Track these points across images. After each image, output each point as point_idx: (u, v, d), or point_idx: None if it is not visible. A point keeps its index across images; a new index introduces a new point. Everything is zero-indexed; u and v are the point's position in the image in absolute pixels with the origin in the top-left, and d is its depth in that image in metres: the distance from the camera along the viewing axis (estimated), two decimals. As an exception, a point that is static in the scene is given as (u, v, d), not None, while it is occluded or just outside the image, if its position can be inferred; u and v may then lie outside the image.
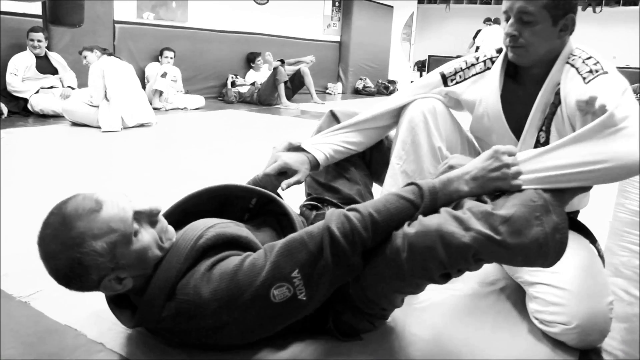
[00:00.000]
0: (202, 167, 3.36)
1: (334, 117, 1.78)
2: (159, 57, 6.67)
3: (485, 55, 1.65)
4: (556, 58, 1.48)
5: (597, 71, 1.39)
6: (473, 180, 1.22)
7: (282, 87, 7.35)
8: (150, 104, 5.54)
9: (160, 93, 6.24)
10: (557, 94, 1.47)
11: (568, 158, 1.18)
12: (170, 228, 1.22)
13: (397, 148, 1.65)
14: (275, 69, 7.34)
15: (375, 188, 1.79)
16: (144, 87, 5.96)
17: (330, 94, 9.80)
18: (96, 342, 1.32)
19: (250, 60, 8.12)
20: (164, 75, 6.26)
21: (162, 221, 1.21)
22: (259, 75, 7.84)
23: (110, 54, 5.06)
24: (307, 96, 8.04)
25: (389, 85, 10.53)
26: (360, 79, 10.25)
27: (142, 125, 4.89)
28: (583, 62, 1.43)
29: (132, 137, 4.45)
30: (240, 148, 4.12)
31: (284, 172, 1.56)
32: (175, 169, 3.30)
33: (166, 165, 3.40)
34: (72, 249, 1.06)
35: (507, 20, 1.48)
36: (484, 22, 11.47)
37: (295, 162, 1.57)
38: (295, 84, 7.82)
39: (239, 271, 1.14)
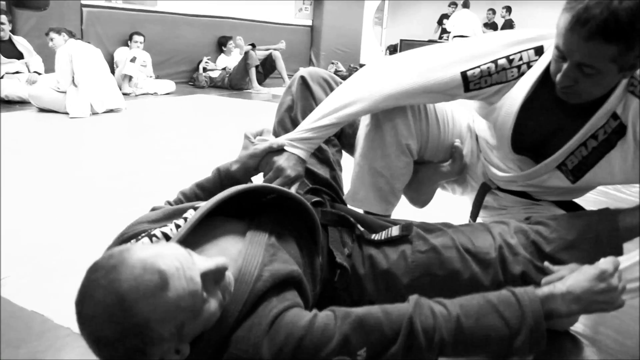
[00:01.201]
0: (173, 152, 3.35)
1: (306, 86, 1.66)
2: (128, 42, 6.59)
3: (521, 59, 1.36)
4: (614, 88, 1.29)
5: None
6: (576, 302, 1.10)
7: (253, 72, 7.32)
8: (120, 89, 5.49)
9: (130, 78, 6.18)
10: (615, 118, 1.33)
11: None
12: (231, 278, 1.05)
13: (362, 146, 1.61)
14: (246, 53, 7.31)
15: (347, 161, 1.80)
16: (113, 72, 5.89)
17: (303, 78, 9.79)
18: (63, 326, 1.34)
19: (221, 45, 8.07)
20: (133, 60, 6.20)
21: (227, 276, 1.03)
22: (230, 60, 7.80)
23: (77, 38, 4.99)
24: (279, 80, 8.02)
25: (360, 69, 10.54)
26: (332, 63, 10.24)
27: (111, 111, 4.85)
28: None
29: (101, 123, 4.42)
30: (211, 133, 4.12)
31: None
32: (146, 155, 3.29)
33: (137, 152, 3.39)
34: (134, 337, 0.87)
35: (559, 58, 1.25)
36: (449, 6, 11.55)
37: (297, 170, 1.45)
38: (267, 68, 7.81)
39: (306, 336, 1.02)
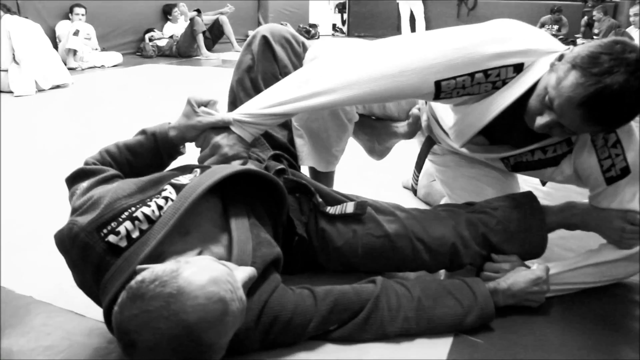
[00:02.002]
0: (125, 124, 3.32)
1: (268, 46, 1.60)
2: (69, 15, 6.38)
3: (498, 75, 1.29)
4: None
5: (614, 165, 1.37)
6: (512, 298, 1.36)
7: (200, 38, 7.23)
8: (65, 64, 5.36)
9: (74, 52, 6.03)
10: (569, 144, 1.44)
11: (589, 277, 1.45)
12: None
13: None
14: (192, 19, 7.20)
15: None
16: (55, 47, 5.73)
17: (252, 41, 9.68)
18: (25, 295, 1.38)
19: (166, 13, 7.88)
20: (76, 33, 6.03)
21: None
22: (177, 27, 7.65)
23: (13, 13, 4.83)
24: (228, 45, 7.93)
25: (310, 29, 10.49)
26: (281, 24, 10.13)
27: (57, 87, 4.76)
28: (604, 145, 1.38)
29: (48, 99, 4.34)
30: (163, 102, 4.06)
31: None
32: (98, 129, 3.27)
33: (88, 126, 3.36)
34: (198, 356, 0.91)
35: (547, 107, 1.25)
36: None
37: (236, 150, 1.38)
38: (215, 34, 7.70)
39: (292, 318, 1.20)
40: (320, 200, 1.49)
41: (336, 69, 1.34)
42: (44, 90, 4.61)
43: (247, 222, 1.26)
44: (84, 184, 1.24)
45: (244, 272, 1.03)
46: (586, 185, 1.48)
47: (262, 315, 1.17)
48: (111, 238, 1.09)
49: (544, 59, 1.29)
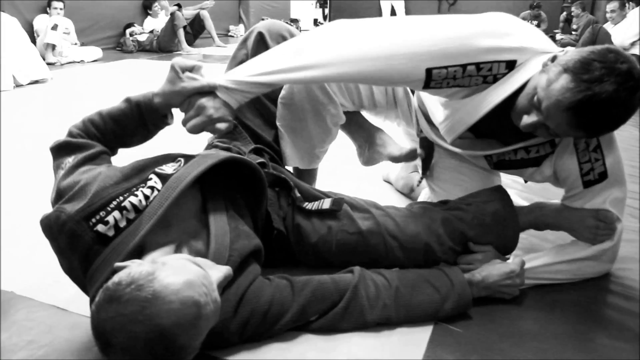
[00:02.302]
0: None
1: (264, 43, 1.59)
2: (47, 9, 6.29)
3: (490, 70, 1.28)
4: None
5: (593, 170, 1.42)
6: (485, 290, 1.38)
7: (181, 33, 7.18)
8: (44, 59, 5.30)
9: (53, 47, 5.95)
10: (552, 145, 1.48)
11: (561, 274, 1.49)
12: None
13: (279, 107, 1.65)
14: (172, 14, 7.15)
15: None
16: (34, 41, 5.65)
17: (233, 36, 9.64)
18: (7, 291, 1.38)
19: (146, 7, 7.82)
20: (54, 27, 5.96)
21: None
22: (157, 22, 7.59)
23: (-9, 8, 4.76)
24: (209, 40, 7.90)
25: (292, 24, 10.45)
26: (263, 19, 10.10)
27: (36, 82, 4.70)
28: (585, 149, 1.42)
29: (27, 95, 4.29)
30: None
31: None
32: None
33: (67, 122, 3.30)
34: (171, 358, 0.92)
35: (534, 107, 1.27)
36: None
37: (221, 113, 1.34)
38: (196, 29, 7.67)
39: (269, 309, 1.21)
40: (298, 195, 1.50)
41: (330, 43, 1.31)
42: (22, 85, 4.56)
43: (225, 214, 1.28)
44: (70, 160, 1.25)
45: (220, 272, 1.04)
46: (563, 186, 1.52)
47: (239, 307, 1.18)
48: (100, 227, 1.10)
49: (536, 58, 1.29)
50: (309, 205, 1.50)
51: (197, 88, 1.32)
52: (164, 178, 1.20)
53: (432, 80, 1.29)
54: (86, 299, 1.25)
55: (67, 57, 6.07)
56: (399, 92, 1.75)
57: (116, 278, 0.93)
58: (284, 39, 1.59)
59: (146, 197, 1.16)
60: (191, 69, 1.34)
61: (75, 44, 6.39)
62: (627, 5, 5.70)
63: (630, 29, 5.22)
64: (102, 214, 1.11)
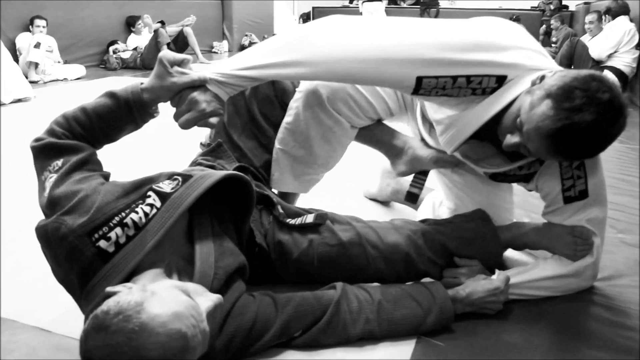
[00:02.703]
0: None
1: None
2: (30, 27, 6.28)
3: (480, 84, 1.26)
4: None
5: (574, 187, 1.44)
6: (470, 306, 1.40)
7: (165, 50, 7.17)
8: (26, 77, 5.29)
9: (36, 65, 5.93)
10: (541, 163, 1.48)
11: (544, 291, 1.51)
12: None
13: (282, 131, 1.66)
14: (156, 31, 7.16)
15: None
16: (16, 60, 5.64)
17: (217, 52, 9.67)
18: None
19: (130, 25, 7.83)
20: (37, 45, 5.94)
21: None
22: (141, 39, 7.60)
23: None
24: (193, 57, 7.88)
25: (276, 39, 10.51)
26: (246, 35, 10.16)
27: (19, 101, 4.69)
28: (568, 165, 1.44)
29: (10, 113, 4.26)
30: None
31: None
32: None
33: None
34: None
35: (517, 129, 1.27)
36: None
37: (213, 106, 1.30)
38: (179, 46, 7.67)
39: (253, 326, 1.21)
40: (281, 211, 1.52)
41: (322, 41, 1.28)
42: (4, 104, 4.54)
43: (211, 231, 1.28)
44: (59, 163, 1.22)
45: (210, 301, 1.03)
46: (544, 200, 1.54)
47: (224, 325, 1.19)
48: (102, 243, 1.10)
49: (527, 76, 1.27)
50: (292, 221, 1.51)
51: (187, 83, 1.28)
52: (162, 197, 1.20)
53: (422, 88, 1.28)
54: (70, 320, 1.25)
55: (50, 75, 6.05)
56: (407, 98, 1.72)
57: (105, 306, 0.93)
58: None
59: (146, 215, 1.15)
60: (180, 63, 1.29)
61: (58, 62, 6.38)
62: (604, 17, 5.81)
63: (607, 41, 5.31)
64: (104, 229, 1.11)
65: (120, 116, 1.29)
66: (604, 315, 1.47)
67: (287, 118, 1.65)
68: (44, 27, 6.27)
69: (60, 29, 6.77)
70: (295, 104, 1.64)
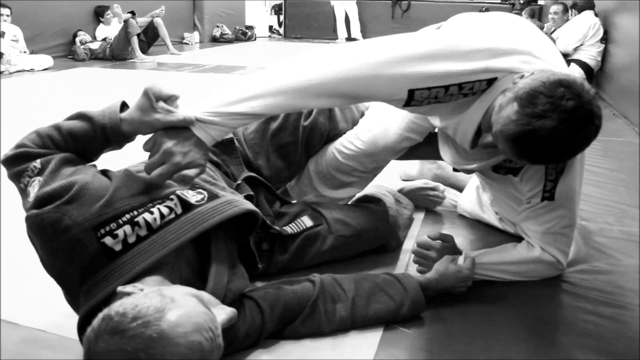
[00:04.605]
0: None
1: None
2: (-6, 16, 6.15)
3: (472, 89, 1.26)
4: None
5: (548, 193, 1.47)
6: (440, 291, 1.44)
7: (135, 40, 7.09)
8: (-9, 67, 5.17)
9: (1, 55, 5.80)
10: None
11: (507, 274, 1.54)
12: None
13: (315, 177, 1.76)
14: (126, 21, 7.06)
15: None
16: (-20, 50, 5.52)
17: (188, 43, 9.57)
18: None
19: (98, 15, 7.68)
20: (1, 35, 5.81)
21: None
22: (110, 30, 7.47)
23: None
24: (163, 48, 7.82)
25: (247, 31, 10.46)
26: (217, 27, 10.08)
27: (-17, 92, 4.58)
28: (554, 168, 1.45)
29: (-27, 105, 4.17)
30: (98, 106, 3.95)
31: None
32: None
33: (19, 133, 3.24)
34: None
35: (488, 128, 1.30)
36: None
37: (191, 157, 1.18)
38: (150, 36, 7.59)
39: (247, 336, 1.22)
40: (278, 229, 1.52)
41: (312, 65, 1.24)
42: (-32, 95, 4.43)
43: (225, 250, 1.24)
44: (37, 165, 1.14)
45: (225, 314, 1.00)
46: (525, 195, 1.55)
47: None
48: (107, 240, 1.06)
49: (512, 76, 1.26)
50: (290, 230, 1.55)
51: (171, 122, 1.16)
52: (186, 206, 1.16)
53: (414, 100, 1.26)
54: (36, 311, 1.24)
55: (15, 65, 5.92)
56: None
57: (121, 308, 0.88)
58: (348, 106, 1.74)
59: (162, 216, 1.11)
60: (167, 99, 1.18)
61: (25, 52, 6.25)
62: (570, 11, 5.92)
63: (573, 35, 5.41)
64: (112, 225, 1.06)
65: (95, 140, 1.20)
66: (571, 302, 1.50)
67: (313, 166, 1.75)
68: (8, 15, 6.13)
69: (26, 18, 6.61)
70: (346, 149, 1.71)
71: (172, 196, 1.17)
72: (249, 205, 1.28)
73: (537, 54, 1.30)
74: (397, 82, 1.23)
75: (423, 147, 1.77)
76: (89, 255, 1.05)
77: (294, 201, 1.76)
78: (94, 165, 1.23)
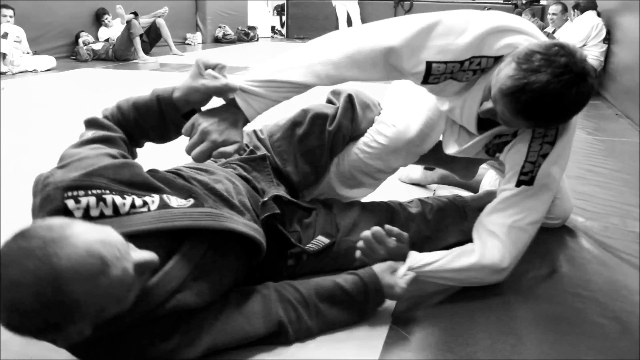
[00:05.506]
0: (62, 130, 3.22)
1: (352, 107, 1.68)
2: (-4, 17, 6.16)
3: (479, 64, 1.35)
4: None
5: (525, 176, 1.45)
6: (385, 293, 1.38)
7: (137, 41, 7.10)
8: (-6, 68, 5.19)
9: (4, 56, 5.81)
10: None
11: (449, 281, 1.48)
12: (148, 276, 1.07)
13: (338, 181, 1.75)
14: (128, 22, 7.06)
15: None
16: (-17, 51, 5.53)
17: (190, 44, 9.58)
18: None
19: (99, 16, 7.68)
20: (4, 35, 5.83)
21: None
22: (113, 31, 7.48)
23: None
24: (166, 49, 7.83)
25: (249, 31, 10.47)
26: (220, 27, 10.09)
27: (-13, 93, 4.59)
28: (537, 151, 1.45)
29: (-23, 105, 4.18)
30: (101, 107, 3.95)
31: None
32: (33, 137, 3.18)
33: (22, 134, 3.26)
34: (57, 313, 0.87)
35: (488, 94, 1.34)
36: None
37: (227, 135, 1.28)
38: (152, 37, 7.60)
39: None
40: (301, 247, 1.51)
41: (343, 39, 1.39)
42: (-28, 96, 4.44)
43: (199, 260, 1.19)
44: (89, 134, 1.26)
45: (142, 255, 0.99)
46: (503, 176, 1.54)
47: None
48: (70, 203, 1.06)
49: None
50: (311, 248, 1.53)
51: (216, 87, 1.26)
52: (163, 205, 1.17)
53: (431, 74, 1.35)
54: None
55: (19, 66, 5.94)
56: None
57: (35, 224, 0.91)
58: (367, 107, 1.72)
59: (133, 206, 1.12)
60: (214, 67, 1.28)
61: (28, 52, 6.26)
62: (573, 12, 5.91)
63: (575, 35, 5.40)
64: (80, 192, 1.08)
65: (152, 110, 1.30)
66: (570, 300, 1.50)
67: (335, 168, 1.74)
68: (11, 16, 6.15)
69: (29, 19, 6.62)
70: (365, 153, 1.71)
71: (154, 195, 1.18)
72: (234, 225, 1.25)
73: (540, 37, 1.38)
74: (417, 53, 1.33)
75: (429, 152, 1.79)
76: (51, 213, 1.06)
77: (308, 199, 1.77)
78: (121, 153, 1.26)
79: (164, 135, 1.36)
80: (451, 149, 1.66)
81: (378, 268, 1.38)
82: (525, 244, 1.48)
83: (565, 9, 6.05)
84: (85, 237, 0.89)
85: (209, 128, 1.26)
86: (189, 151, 1.27)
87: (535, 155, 1.45)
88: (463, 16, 1.36)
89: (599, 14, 5.46)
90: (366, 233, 1.43)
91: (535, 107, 1.23)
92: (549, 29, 6.13)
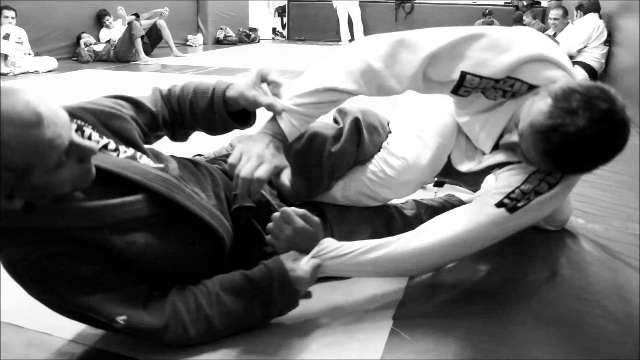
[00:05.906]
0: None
1: (358, 132, 1.60)
2: (-2, 18, 6.17)
3: (512, 87, 1.28)
4: None
5: (510, 202, 1.36)
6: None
7: (139, 42, 7.11)
8: (-5, 69, 5.19)
9: (5, 57, 5.82)
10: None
11: (364, 274, 1.45)
12: (94, 173, 1.07)
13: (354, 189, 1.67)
14: (129, 23, 7.07)
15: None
16: (-15, 52, 5.54)
17: (192, 45, 9.59)
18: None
19: (100, 18, 7.69)
20: (6, 37, 5.84)
21: (90, 165, 1.05)
22: (114, 32, 7.49)
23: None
24: (167, 50, 7.84)
25: (251, 33, 10.48)
26: (221, 29, 10.10)
27: (-12, 94, 4.59)
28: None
29: (-22, 107, 4.18)
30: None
31: None
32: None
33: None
34: None
35: (515, 127, 1.29)
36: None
37: (281, 160, 1.32)
38: (153, 38, 7.62)
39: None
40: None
41: (375, 40, 1.33)
42: (-27, 97, 4.44)
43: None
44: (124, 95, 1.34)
45: (83, 140, 1.02)
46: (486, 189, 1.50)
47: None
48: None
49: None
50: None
51: (259, 103, 1.30)
52: (132, 157, 1.22)
53: (463, 86, 1.29)
54: (43, 315, 1.24)
55: (20, 67, 5.95)
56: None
57: None
58: (375, 129, 1.64)
59: (105, 147, 1.18)
60: (269, 82, 1.34)
61: (29, 54, 6.26)
62: (575, 12, 5.92)
63: (577, 36, 5.41)
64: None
65: (205, 94, 1.36)
66: (570, 302, 1.50)
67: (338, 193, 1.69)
68: (12, 17, 6.15)
69: (31, 20, 6.63)
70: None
71: (131, 148, 1.23)
72: (186, 202, 1.22)
73: (576, 79, 1.30)
74: (455, 61, 1.27)
75: None
76: None
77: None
78: (137, 121, 1.32)
79: (211, 125, 1.39)
80: (464, 167, 1.61)
81: (283, 255, 1.33)
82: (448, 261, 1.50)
83: (566, 13, 6.06)
84: (33, 97, 0.93)
85: (263, 153, 1.26)
86: (249, 175, 1.22)
87: (530, 188, 1.35)
88: (509, 33, 1.30)
89: (600, 16, 5.47)
90: (276, 214, 1.36)
91: (565, 151, 1.16)
92: (550, 32, 6.15)
